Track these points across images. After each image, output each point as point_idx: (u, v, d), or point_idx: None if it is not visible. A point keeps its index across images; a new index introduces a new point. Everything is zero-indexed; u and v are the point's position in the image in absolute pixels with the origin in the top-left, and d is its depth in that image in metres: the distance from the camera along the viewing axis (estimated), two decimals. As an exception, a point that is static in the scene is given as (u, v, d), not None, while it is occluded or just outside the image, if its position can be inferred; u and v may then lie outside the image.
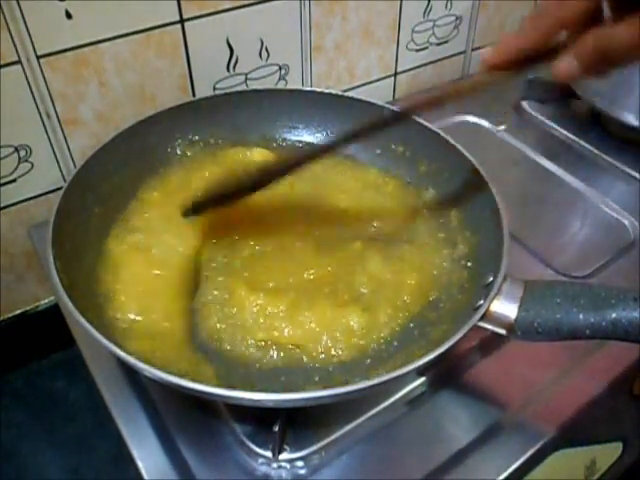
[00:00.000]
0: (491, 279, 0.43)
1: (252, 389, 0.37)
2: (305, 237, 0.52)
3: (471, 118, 0.79)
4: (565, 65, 0.33)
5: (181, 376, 0.36)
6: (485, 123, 0.79)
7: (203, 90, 0.67)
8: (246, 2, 0.63)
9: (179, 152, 0.59)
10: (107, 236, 0.51)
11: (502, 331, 0.42)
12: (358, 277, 0.49)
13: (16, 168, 0.59)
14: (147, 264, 0.49)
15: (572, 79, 0.33)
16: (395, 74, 0.83)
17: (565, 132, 0.78)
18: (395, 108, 0.56)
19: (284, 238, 0.52)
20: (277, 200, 0.55)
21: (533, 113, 0.81)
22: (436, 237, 0.53)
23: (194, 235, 0.52)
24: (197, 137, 0.60)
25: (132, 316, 0.45)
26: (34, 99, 0.56)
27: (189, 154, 0.59)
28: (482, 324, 0.41)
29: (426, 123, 0.57)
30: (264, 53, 0.68)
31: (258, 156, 0.59)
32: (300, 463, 0.43)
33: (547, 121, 0.80)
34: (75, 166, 0.62)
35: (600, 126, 0.78)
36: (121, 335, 0.43)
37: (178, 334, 0.45)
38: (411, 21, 0.79)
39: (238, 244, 0.51)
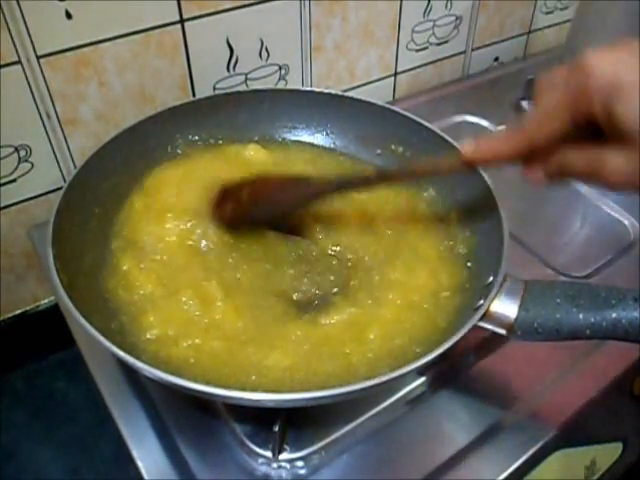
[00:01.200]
0: (491, 279, 0.43)
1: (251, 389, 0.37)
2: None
3: (471, 118, 0.79)
4: (535, 175, 0.41)
5: (181, 376, 0.36)
6: (485, 123, 0.79)
7: (203, 90, 0.67)
8: (246, 2, 0.63)
9: (179, 152, 0.59)
10: (107, 236, 0.51)
11: (502, 331, 0.42)
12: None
13: (16, 168, 0.59)
14: (148, 263, 0.49)
15: (539, 184, 0.41)
16: (395, 74, 0.83)
17: (565, 132, 0.78)
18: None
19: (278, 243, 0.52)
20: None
21: (533, 113, 0.81)
22: (436, 237, 0.53)
23: (194, 235, 0.52)
24: (197, 137, 0.60)
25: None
26: (34, 99, 0.56)
27: (189, 154, 0.59)
28: (482, 324, 0.41)
29: (426, 123, 0.57)
30: (264, 53, 0.68)
31: (252, 152, 0.60)
32: (300, 463, 0.43)
33: (547, 121, 0.80)
34: (75, 166, 0.62)
35: (600, 126, 0.78)
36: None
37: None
38: (411, 21, 0.79)
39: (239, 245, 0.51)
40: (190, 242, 0.51)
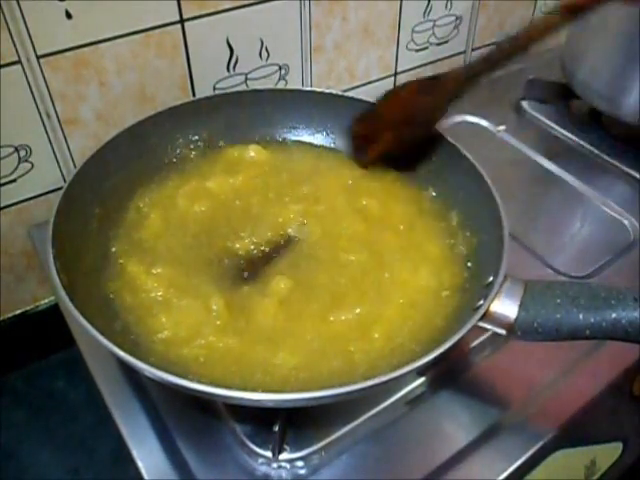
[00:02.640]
0: (491, 279, 0.43)
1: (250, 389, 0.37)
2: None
3: (471, 118, 0.79)
4: None
5: (181, 376, 0.36)
6: (485, 123, 0.79)
7: (203, 90, 0.67)
8: (246, 2, 0.63)
9: (179, 152, 0.59)
10: (108, 236, 0.51)
11: (502, 331, 0.42)
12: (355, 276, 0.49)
13: (16, 168, 0.59)
14: (148, 263, 0.49)
15: None
16: (395, 74, 0.83)
17: (565, 132, 0.78)
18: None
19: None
20: (275, 202, 0.55)
21: (533, 113, 0.81)
22: (436, 237, 0.53)
23: (195, 234, 0.52)
24: (197, 137, 0.60)
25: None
26: (34, 99, 0.56)
27: (189, 154, 0.59)
28: (482, 324, 0.41)
29: (426, 123, 0.57)
30: (264, 53, 0.68)
31: (253, 153, 0.60)
32: (300, 463, 0.43)
33: (547, 121, 0.80)
34: (75, 166, 0.62)
35: (600, 126, 0.78)
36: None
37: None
38: (411, 21, 0.79)
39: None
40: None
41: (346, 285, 0.48)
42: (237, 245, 0.51)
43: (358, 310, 0.46)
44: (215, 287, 0.48)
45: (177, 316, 0.45)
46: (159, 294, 0.47)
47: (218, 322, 0.45)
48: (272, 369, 0.42)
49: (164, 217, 0.53)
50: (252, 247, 0.51)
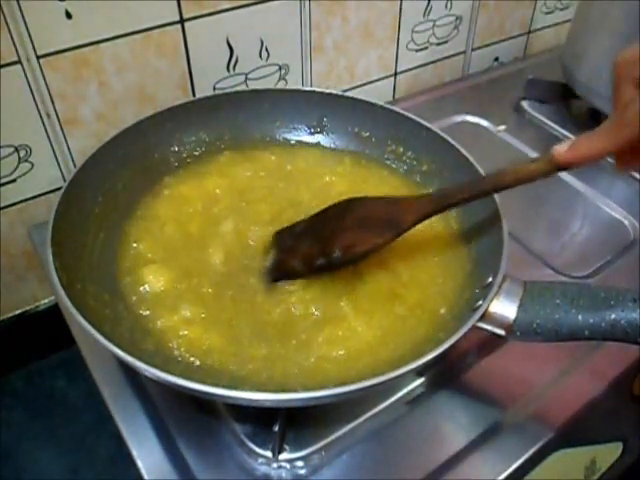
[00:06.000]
0: (490, 279, 0.43)
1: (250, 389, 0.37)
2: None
3: (471, 118, 0.79)
4: (632, 168, 0.41)
5: (182, 376, 0.36)
6: (485, 123, 0.79)
7: (203, 90, 0.67)
8: (246, 2, 0.63)
9: (179, 152, 0.59)
10: (108, 236, 0.51)
11: (501, 332, 0.41)
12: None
13: (16, 168, 0.59)
14: (148, 263, 0.49)
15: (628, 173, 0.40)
16: (395, 74, 0.83)
17: (565, 132, 0.78)
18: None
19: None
20: (280, 203, 0.56)
21: (533, 113, 0.81)
22: (436, 237, 0.53)
23: (195, 234, 0.52)
24: (197, 137, 0.60)
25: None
26: (34, 99, 0.56)
27: (189, 154, 0.59)
28: (481, 324, 0.41)
29: (426, 123, 0.58)
30: (264, 53, 0.68)
31: (253, 153, 0.60)
32: (300, 463, 0.43)
33: (547, 121, 0.80)
34: (75, 166, 0.62)
35: (600, 126, 0.78)
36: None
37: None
38: (411, 21, 0.79)
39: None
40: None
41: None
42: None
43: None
44: (216, 288, 0.48)
45: (178, 316, 0.45)
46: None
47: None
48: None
49: (164, 217, 0.53)
50: (252, 242, 0.51)
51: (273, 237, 0.51)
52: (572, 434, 0.49)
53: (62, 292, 0.39)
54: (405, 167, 0.60)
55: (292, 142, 0.63)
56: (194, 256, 0.50)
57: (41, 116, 0.58)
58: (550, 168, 0.43)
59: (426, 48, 0.84)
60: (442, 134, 0.56)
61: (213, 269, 0.49)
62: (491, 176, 0.46)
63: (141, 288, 0.47)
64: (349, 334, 0.45)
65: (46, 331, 0.66)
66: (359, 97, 0.61)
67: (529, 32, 0.96)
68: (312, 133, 0.63)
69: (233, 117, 0.61)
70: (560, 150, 0.42)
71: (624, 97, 0.38)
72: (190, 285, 0.48)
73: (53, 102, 0.58)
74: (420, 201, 0.47)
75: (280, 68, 0.71)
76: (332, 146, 0.63)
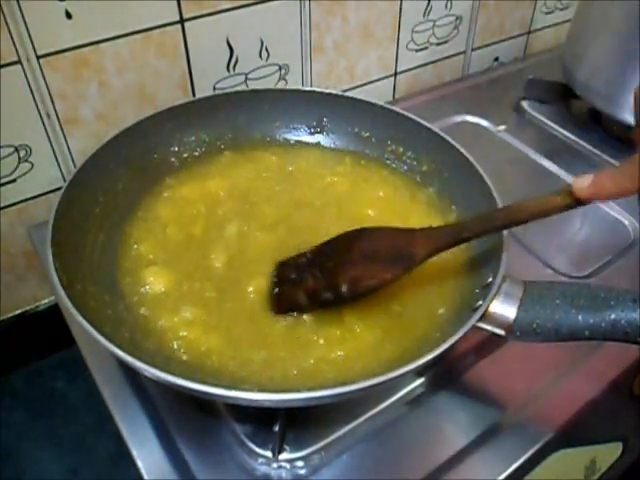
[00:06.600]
0: (490, 279, 0.43)
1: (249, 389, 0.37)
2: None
3: (471, 118, 0.79)
4: None
5: (182, 376, 0.36)
6: (485, 123, 0.79)
7: (203, 90, 0.67)
8: (246, 2, 0.63)
9: (179, 152, 0.59)
10: (109, 236, 0.51)
11: (501, 332, 0.42)
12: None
13: (16, 168, 0.59)
14: (150, 264, 0.49)
15: None
16: (395, 74, 0.83)
17: (565, 132, 0.78)
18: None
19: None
20: (284, 205, 0.56)
21: (533, 113, 0.81)
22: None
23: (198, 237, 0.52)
24: (197, 137, 0.60)
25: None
26: (34, 99, 0.56)
27: (189, 154, 0.59)
28: (481, 325, 0.41)
29: (426, 123, 0.58)
30: (264, 53, 0.68)
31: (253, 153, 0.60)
32: (300, 463, 0.43)
33: (547, 121, 0.80)
34: (75, 166, 0.62)
35: (600, 126, 0.78)
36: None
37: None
38: (411, 21, 0.79)
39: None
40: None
41: None
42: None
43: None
44: (216, 289, 0.48)
45: (179, 317, 0.45)
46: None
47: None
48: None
49: (165, 218, 0.53)
50: (256, 247, 0.51)
51: (276, 267, 0.49)
52: (572, 434, 0.49)
53: (62, 292, 0.39)
54: (405, 167, 0.60)
55: (292, 142, 0.63)
56: (196, 259, 0.50)
57: (41, 116, 0.58)
58: (570, 203, 0.41)
59: (426, 48, 0.84)
60: (442, 134, 0.56)
61: (215, 272, 0.49)
62: (507, 210, 0.44)
63: (142, 289, 0.47)
64: (348, 335, 0.45)
65: (46, 331, 0.66)
66: (359, 97, 0.61)
67: (529, 32, 0.96)
68: (312, 133, 0.63)
69: (233, 117, 0.61)
70: (582, 185, 0.40)
71: None
72: (191, 288, 0.48)
73: (53, 102, 0.58)
74: (432, 234, 0.45)
75: (280, 68, 0.71)
76: (332, 146, 0.63)
